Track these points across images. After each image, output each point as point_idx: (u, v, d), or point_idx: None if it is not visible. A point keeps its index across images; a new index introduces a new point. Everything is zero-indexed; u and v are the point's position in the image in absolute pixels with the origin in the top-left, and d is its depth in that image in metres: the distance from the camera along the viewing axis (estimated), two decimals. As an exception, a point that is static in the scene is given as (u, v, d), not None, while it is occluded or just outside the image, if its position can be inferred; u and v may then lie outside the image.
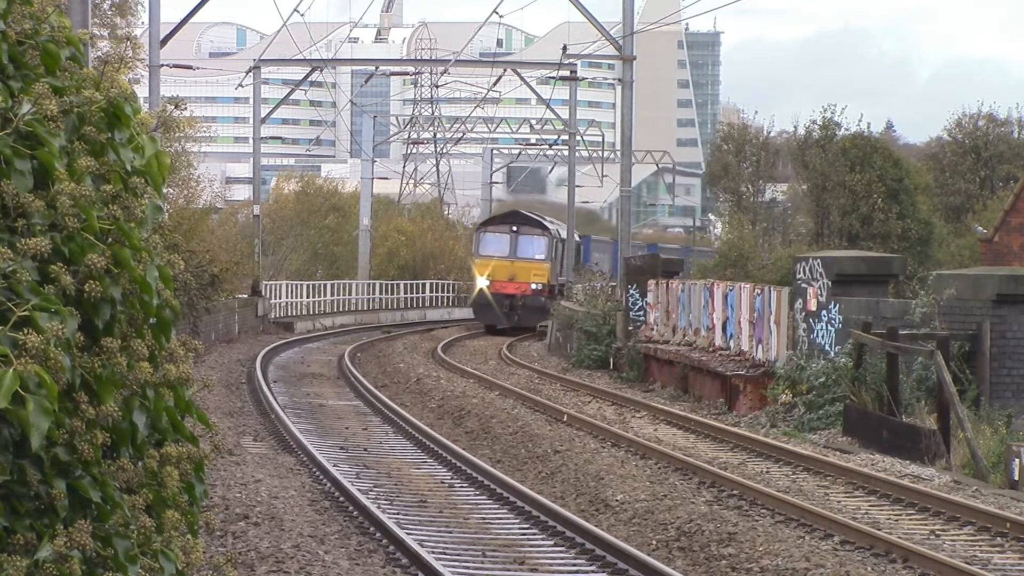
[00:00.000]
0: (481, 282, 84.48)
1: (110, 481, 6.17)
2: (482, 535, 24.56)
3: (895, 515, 26.55)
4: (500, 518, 26.76)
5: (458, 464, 30.66)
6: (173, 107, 7.13)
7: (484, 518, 26.39)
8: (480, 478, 28.51)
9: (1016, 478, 29.64)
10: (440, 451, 32.75)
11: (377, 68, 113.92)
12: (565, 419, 40.04)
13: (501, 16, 75.53)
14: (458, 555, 22.90)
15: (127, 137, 6.43)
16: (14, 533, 5.88)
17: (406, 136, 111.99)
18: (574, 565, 22.96)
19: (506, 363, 67.13)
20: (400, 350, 65.44)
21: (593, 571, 22.53)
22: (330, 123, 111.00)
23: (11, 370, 5.49)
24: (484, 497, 28.47)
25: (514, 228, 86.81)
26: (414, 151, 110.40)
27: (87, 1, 26.70)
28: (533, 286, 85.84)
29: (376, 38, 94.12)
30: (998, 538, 24.57)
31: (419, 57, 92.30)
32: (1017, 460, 30.53)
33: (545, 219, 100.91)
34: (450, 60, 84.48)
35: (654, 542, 23.89)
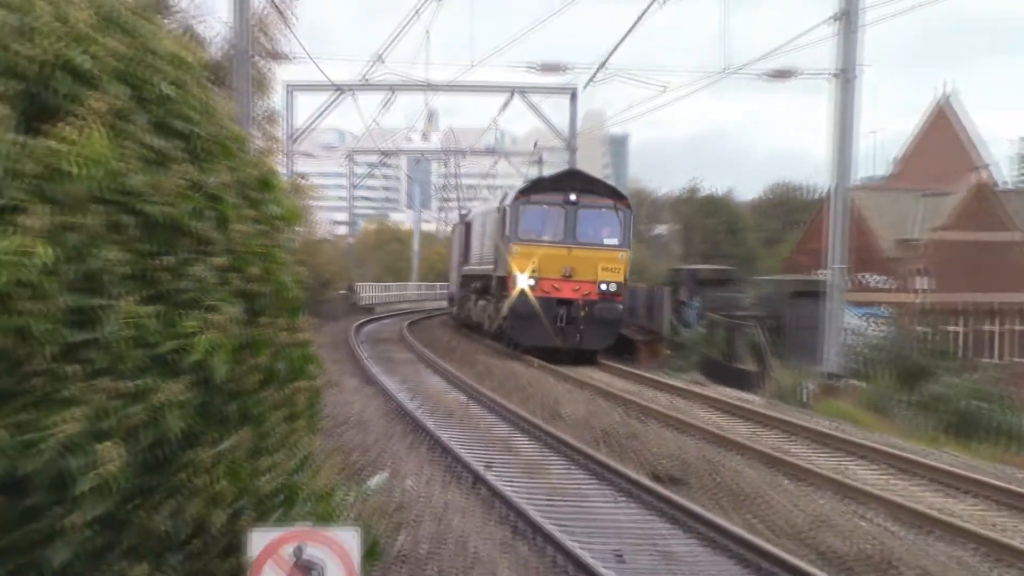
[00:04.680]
0: (523, 280, 37.93)
1: (264, 402, 6.43)
2: (485, 434, 26.00)
3: (731, 422, 28.45)
4: (496, 424, 27.60)
5: (472, 391, 31.78)
6: (300, 179, 7.34)
7: (487, 424, 27.57)
8: (485, 399, 30.17)
9: (804, 400, 34.32)
10: (461, 384, 33.67)
11: (423, 155, 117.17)
12: (535, 365, 37.91)
13: (497, 125, 65.87)
14: (471, 446, 23.60)
15: (273, 196, 7.11)
16: (206, 434, 6.07)
17: (440, 196, 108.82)
18: (541, 452, 23.49)
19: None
20: (436, 325, 60.62)
21: (552, 454, 23.11)
22: (395, 188, 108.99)
23: (204, 336, 5.94)
24: (487, 411, 29.55)
25: (571, 198, 37.76)
26: (445, 205, 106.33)
27: (249, 114, 25.80)
28: (603, 287, 38.13)
29: (422, 137, 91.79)
30: (793, 436, 26.57)
31: (447, 149, 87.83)
32: (804, 390, 35.08)
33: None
34: (466, 151, 79.39)
35: (588, 437, 24.80)
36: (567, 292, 35.05)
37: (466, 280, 51.45)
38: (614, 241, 35.52)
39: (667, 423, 27.12)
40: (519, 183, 45.31)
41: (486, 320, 43.84)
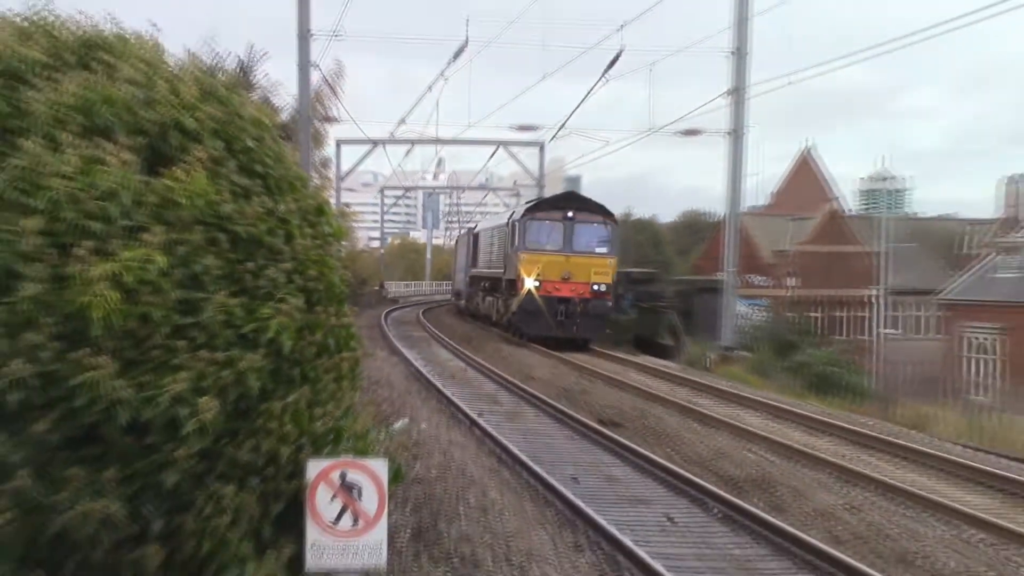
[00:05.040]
0: (529, 283, 36.89)
1: (318, 368, 6.43)
2: (478, 390, 26.00)
3: (655, 382, 28.12)
4: (486, 383, 27.53)
5: (469, 360, 31.47)
6: (345, 207, 7.31)
7: (480, 383, 27.54)
8: (478, 366, 29.91)
9: (707, 366, 34.02)
10: (461, 355, 33.45)
11: (434, 190, 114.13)
12: (521, 339, 37.80)
13: (487, 169, 66.93)
14: (467, 399, 23.47)
15: (325, 219, 7.10)
16: (276, 391, 6.00)
17: (446, 220, 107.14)
18: (518, 403, 23.37)
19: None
20: (443, 313, 60.48)
21: (526, 404, 23.08)
22: (414, 214, 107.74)
23: (275, 320, 5.90)
24: (480, 374, 29.54)
25: (569, 214, 37.18)
26: (449, 225, 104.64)
27: (308, 160, 25.95)
28: (595, 287, 37.37)
29: (433, 177, 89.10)
30: (700, 392, 26.30)
31: (451, 186, 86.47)
32: (708, 358, 34.79)
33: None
34: (464, 188, 79.27)
35: (552, 393, 24.70)
36: (566, 292, 33.47)
37: (474, 280, 48.62)
38: (604, 250, 34.19)
39: (610, 383, 26.92)
40: (518, 205, 43.28)
41: (494, 313, 41.01)
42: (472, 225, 59.00)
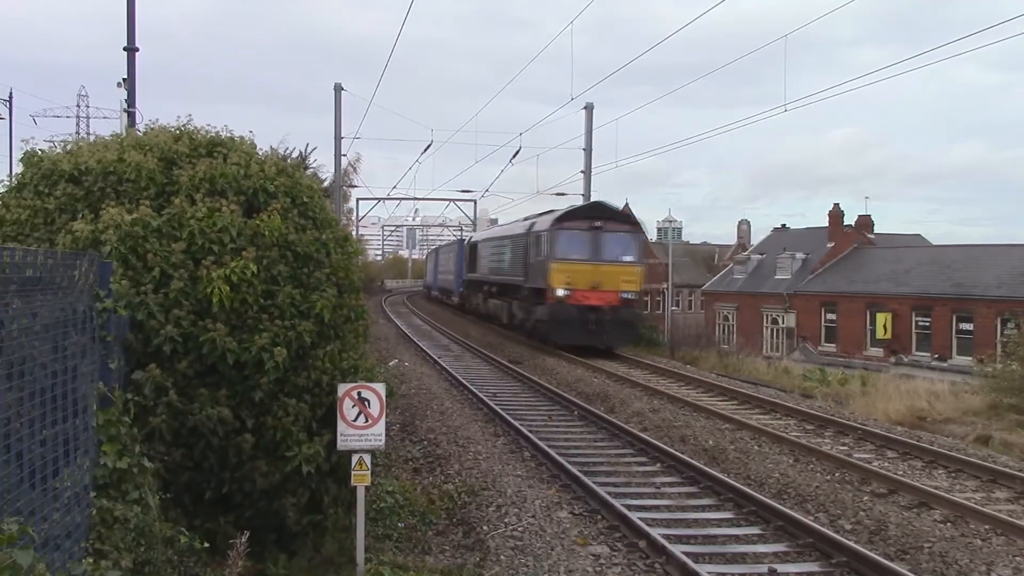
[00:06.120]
0: (561, 291, 20.15)
1: (345, 330, 6.22)
2: (438, 343, 25.45)
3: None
4: (444, 340, 26.36)
5: (466, 346, 23.98)
6: (361, 237, 7.01)
7: (441, 340, 26.47)
8: (473, 349, 22.98)
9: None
10: (459, 342, 25.56)
11: (412, 226, 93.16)
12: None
13: (444, 215, 63.46)
14: (432, 349, 22.87)
15: (350, 243, 6.71)
16: (320, 344, 5.83)
17: (419, 244, 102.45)
18: (463, 351, 22.52)
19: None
20: (419, 298, 57.62)
21: (467, 353, 21.79)
22: (401, 240, 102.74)
23: (320, 301, 5.74)
24: (440, 335, 28.71)
25: (597, 224, 20.41)
26: (419, 247, 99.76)
27: (340, 209, 25.56)
28: (623, 295, 20.15)
29: (413, 218, 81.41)
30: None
31: (423, 224, 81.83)
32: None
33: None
34: (430, 225, 77.04)
35: (483, 343, 23.81)
36: (595, 300, 21.52)
37: (472, 284, 33.58)
38: (631, 258, 22.28)
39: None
40: (533, 216, 26.88)
41: (504, 316, 27.53)
42: (465, 239, 40.34)
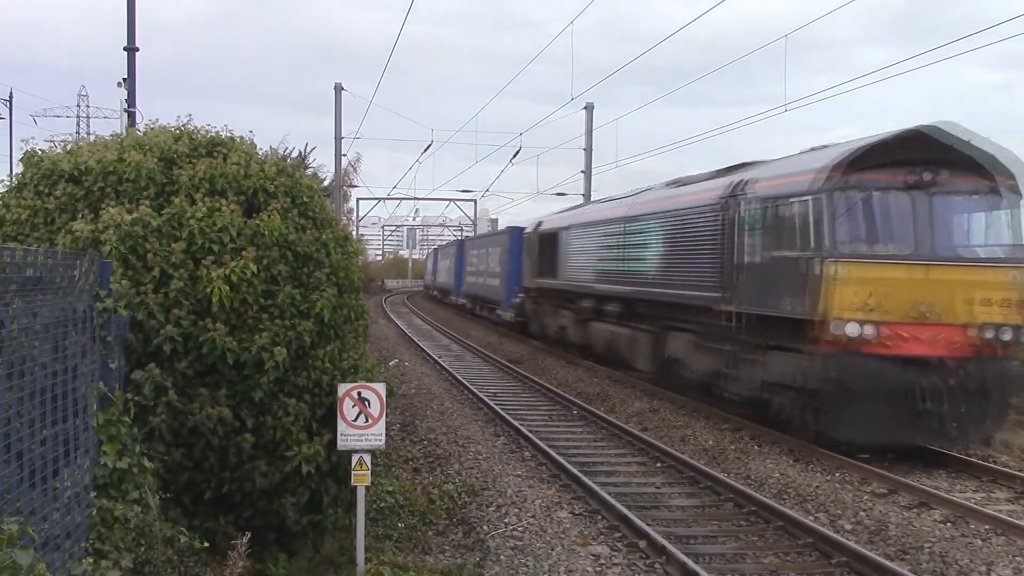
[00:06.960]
0: (851, 329, 5.09)
1: (345, 329, 6.18)
2: (438, 343, 24.95)
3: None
4: (443, 339, 26.25)
5: (466, 346, 23.17)
6: (362, 236, 6.98)
7: (440, 340, 26.19)
8: (473, 349, 22.57)
9: None
10: (460, 342, 25.40)
11: (413, 226, 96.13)
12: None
13: (444, 214, 64.07)
14: (433, 349, 22.45)
15: (350, 243, 6.69)
16: (320, 344, 5.83)
17: (419, 244, 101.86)
18: (462, 351, 22.31)
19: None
20: (419, 297, 58.05)
21: (468, 352, 21.77)
22: (401, 239, 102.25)
23: (320, 301, 5.72)
24: (441, 335, 28.29)
25: (926, 176, 4.78)
26: (419, 247, 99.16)
27: (340, 208, 25.33)
28: (987, 334, 4.94)
29: (413, 218, 80.00)
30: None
31: (423, 224, 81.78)
32: None
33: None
34: (430, 225, 77.68)
35: (483, 343, 23.12)
36: (925, 348, 7.88)
37: (543, 293, 21.64)
38: (998, 251, 8.02)
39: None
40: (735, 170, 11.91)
41: (644, 355, 14.79)
42: (532, 226, 23.86)
